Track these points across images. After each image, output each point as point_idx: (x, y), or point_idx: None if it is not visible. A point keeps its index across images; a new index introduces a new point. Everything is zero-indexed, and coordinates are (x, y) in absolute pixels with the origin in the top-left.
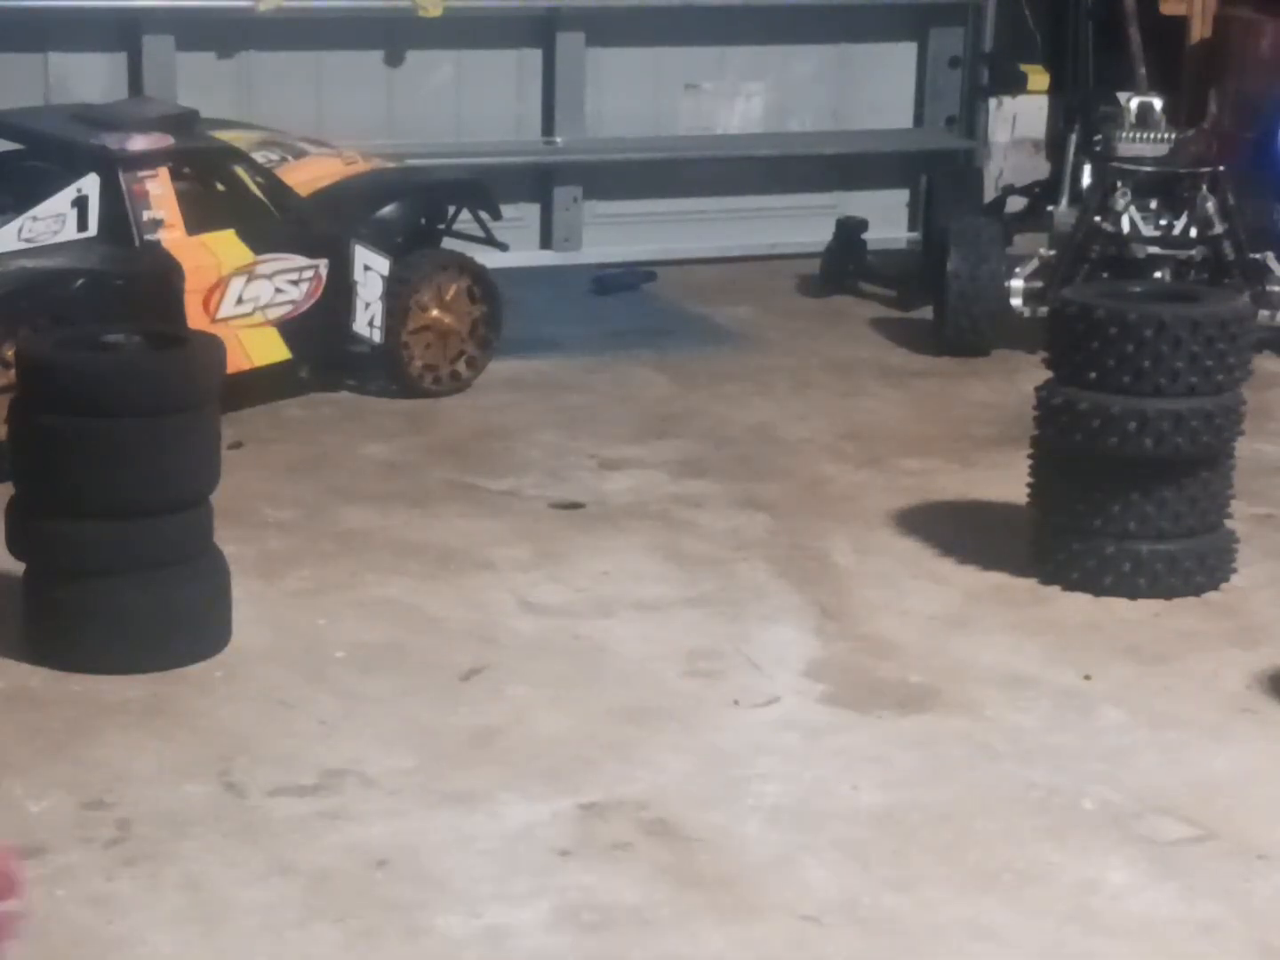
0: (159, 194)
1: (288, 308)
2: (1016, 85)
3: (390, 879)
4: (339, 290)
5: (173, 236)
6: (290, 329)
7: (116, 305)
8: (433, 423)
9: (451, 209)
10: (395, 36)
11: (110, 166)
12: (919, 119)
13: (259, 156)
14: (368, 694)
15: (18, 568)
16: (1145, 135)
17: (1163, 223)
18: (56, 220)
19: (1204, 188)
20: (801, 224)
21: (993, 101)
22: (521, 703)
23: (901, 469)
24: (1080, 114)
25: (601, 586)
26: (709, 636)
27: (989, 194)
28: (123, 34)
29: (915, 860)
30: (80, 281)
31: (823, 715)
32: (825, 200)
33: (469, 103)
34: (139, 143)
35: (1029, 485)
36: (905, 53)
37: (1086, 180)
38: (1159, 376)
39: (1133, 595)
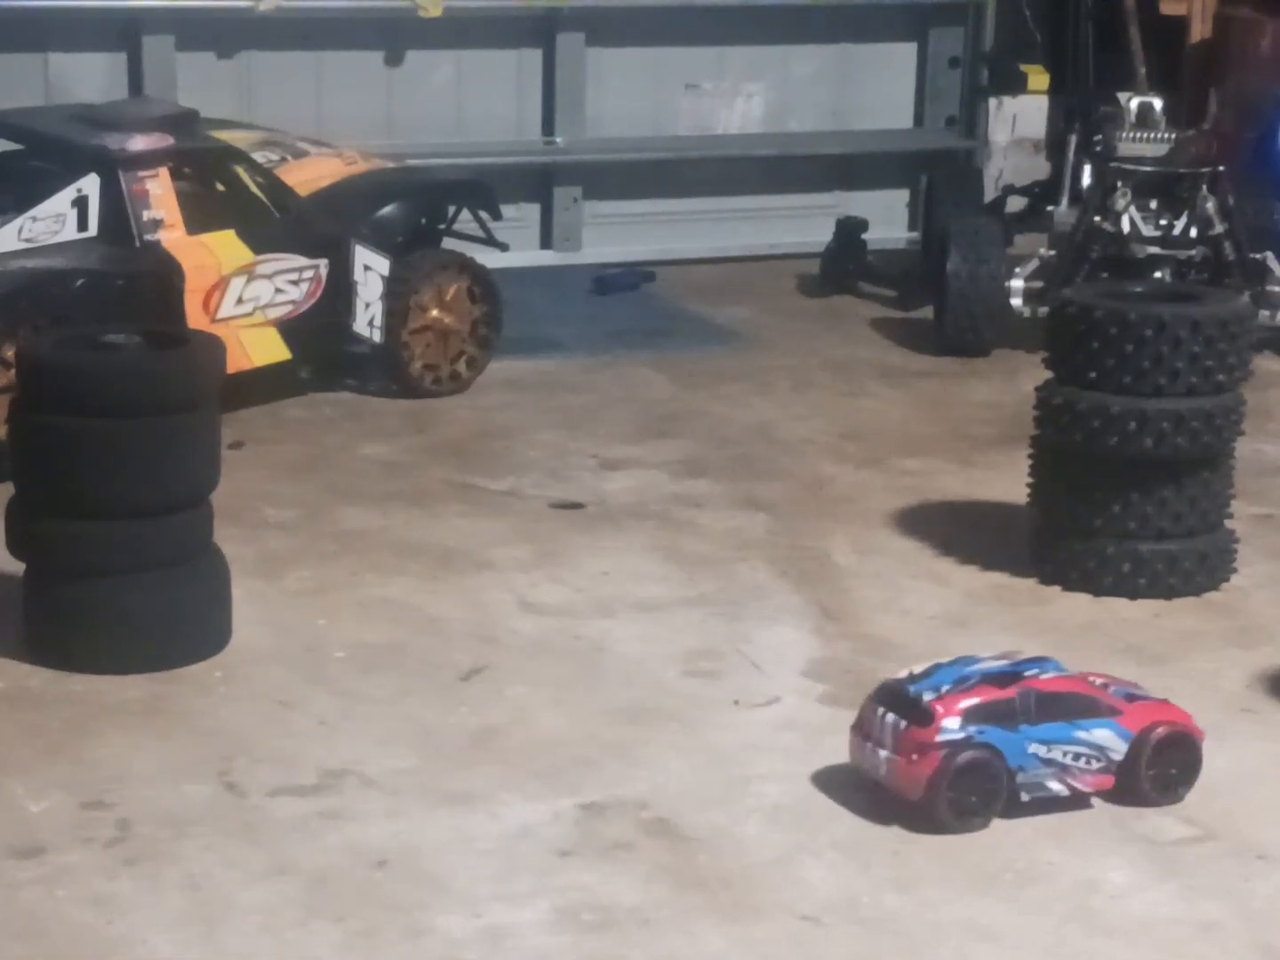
0: (159, 194)
1: (288, 308)
2: (1016, 85)
3: (390, 879)
4: (339, 290)
5: (173, 236)
6: (290, 329)
7: (116, 305)
8: (433, 423)
9: (451, 209)
10: (395, 36)
11: (110, 166)
12: (919, 119)
13: (259, 156)
14: (368, 694)
15: (18, 568)
16: (1145, 135)
17: (1163, 223)
18: (56, 220)
19: (1204, 188)
20: (801, 224)
21: (993, 101)
22: (521, 703)
23: (901, 469)
24: (1080, 114)
25: (601, 586)
26: (709, 636)
27: (989, 194)
28: (123, 34)
29: (915, 860)
30: (80, 281)
31: (823, 715)
32: (825, 200)
33: (469, 103)
34: (139, 143)
35: (1029, 485)
36: (905, 53)
37: (1086, 180)
38: (1159, 376)
39: (1133, 595)
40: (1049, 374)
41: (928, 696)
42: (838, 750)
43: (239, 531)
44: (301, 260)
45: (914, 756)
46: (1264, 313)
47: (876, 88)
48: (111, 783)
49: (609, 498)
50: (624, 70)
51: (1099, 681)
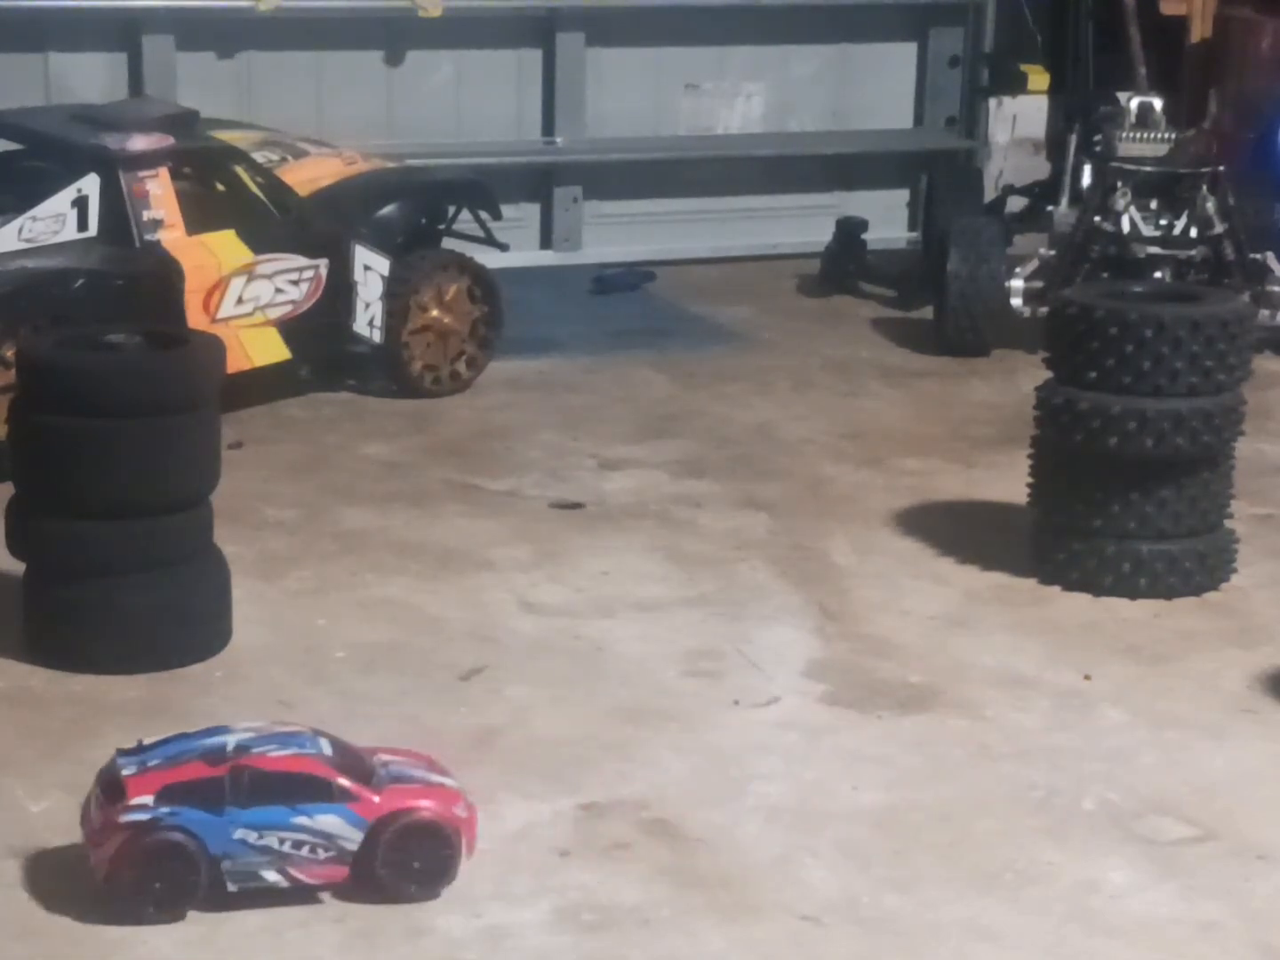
0: (159, 194)
1: (288, 308)
2: (1016, 85)
3: None
4: (339, 290)
5: (173, 236)
6: (290, 329)
7: (116, 305)
8: (433, 423)
9: (451, 209)
10: (395, 36)
11: (110, 166)
12: (919, 119)
13: (259, 156)
14: (368, 694)
15: (18, 568)
16: (1145, 135)
17: (1163, 223)
18: (56, 220)
19: (1204, 188)
20: (801, 224)
21: (993, 101)
22: (521, 703)
23: (901, 469)
24: (1080, 114)
25: (601, 586)
26: (709, 636)
27: (989, 194)
28: (123, 34)
29: (915, 860)
30: (80, 281)
31: (823, 715)
32: (825, 200)
33: (469, 103)
34: (139, 143)
35: (1029, 485)
36: (905, 53)
37: (1086, 180)
38: (1159, 376)
39: (1133, 595)
40: (1049, 374)
41: (127, 771)
42: (838, 750)
43: (239, 531)
44: (301, 260)
45: (103, 836)
46: (1264, 313)
47: (876, 88)
48: None
49: (609, 498)
50: (624, 70)
51: (382, 759)
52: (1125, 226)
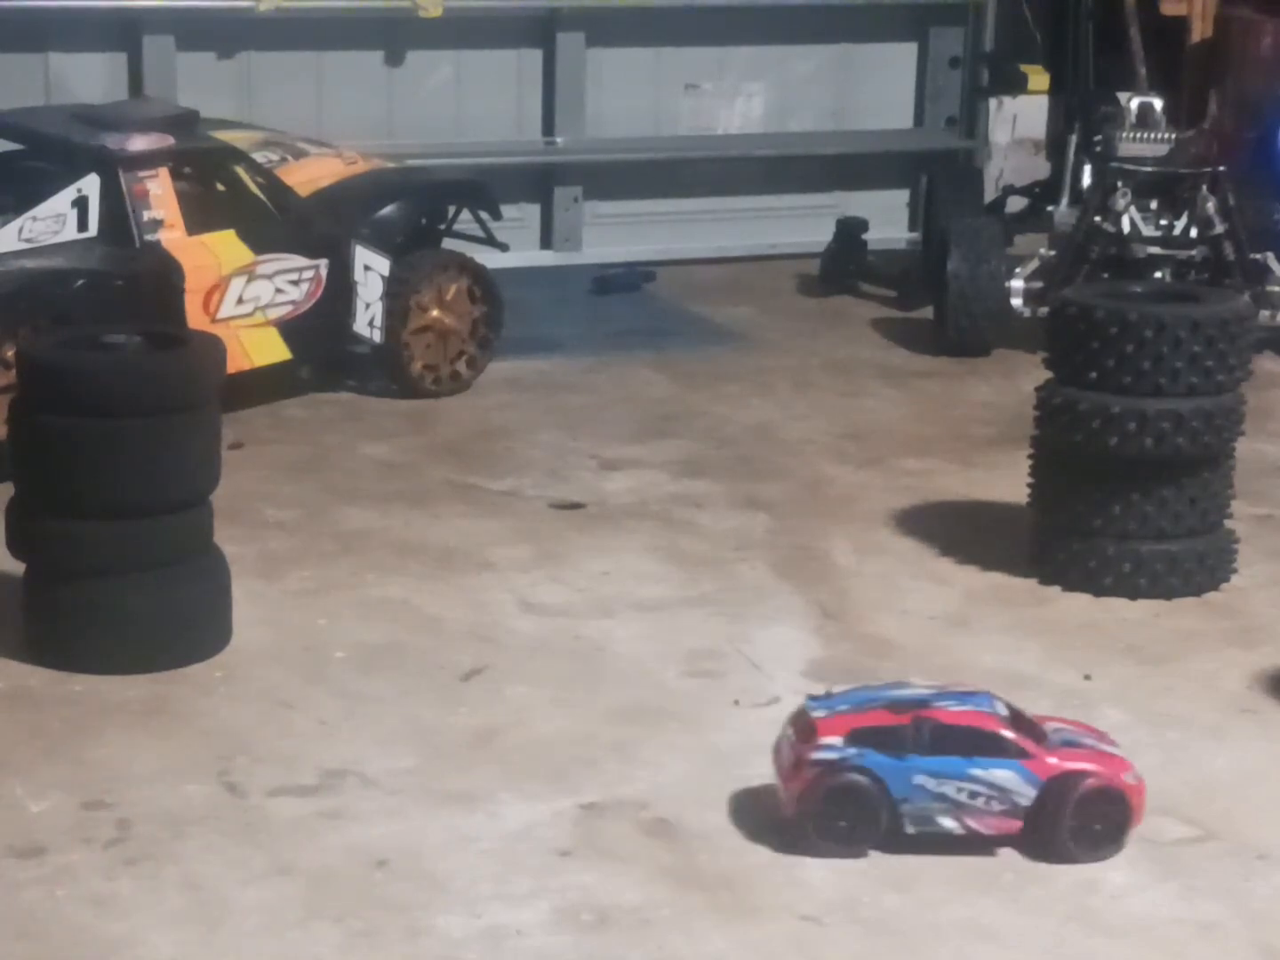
0: (159, 194)
1: (288, 308)
2: (1016, 85)
3: (390, 879)
4: (339, 290)
5: (173, 236)
6: (290, 329)
7: (116, 305)
8: (433, 423)
9: (451, 209)
10: (395, 36)
11: (110, 166)
12: (919, 119)
13: (259, 156)
14: (368, 694)
15: (18, 568)
16: (1145, 135)
17: (1163, 223)
18: (56, 220)
19: (1204, 188)
20: (801, 224)
21: (993, 101)
22: (521, 703)
23: (901, 469)
24: (1080, 114)
25: (601, 586)
26: (709, 636)
27: (989, 194)
28: (123, 34)
29: (915, 860)
30: (80, 281)
31: None
32: (825, 200)
33: (469, 103)
34: (139, 143)
35: (1029, 485)
36: (905, 53)
37: (1086, 180)
38: (1159, 376)
39: (1133, 595)
40: (1049, 374)
41: (817, 714)
42: None
43: (239, 531)
44: (301, 260)
45: (793, 773)
46: (1264, 313)
47: (876, 88)
48: (111, 783)
49: (609, 498)
50: (624, 70)
51: (1053, 726)
52: (1125, 226)
